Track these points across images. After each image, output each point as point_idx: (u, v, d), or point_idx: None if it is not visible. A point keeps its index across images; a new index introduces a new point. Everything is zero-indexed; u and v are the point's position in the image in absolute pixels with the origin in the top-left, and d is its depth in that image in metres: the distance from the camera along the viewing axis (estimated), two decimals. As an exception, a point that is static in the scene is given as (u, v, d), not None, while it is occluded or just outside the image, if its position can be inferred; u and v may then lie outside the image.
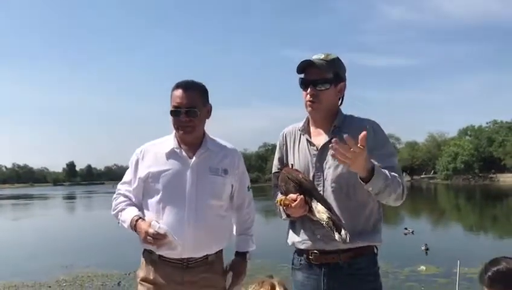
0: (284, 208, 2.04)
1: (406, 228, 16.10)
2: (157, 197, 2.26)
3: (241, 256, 2.43)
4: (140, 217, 2.26)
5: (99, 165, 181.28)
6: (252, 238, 2.48)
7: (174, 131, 2.33)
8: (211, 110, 2.37)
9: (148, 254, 2.34)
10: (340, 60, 2.11)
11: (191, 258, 2.26)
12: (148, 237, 2.15)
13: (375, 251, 2.10)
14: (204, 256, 2.28)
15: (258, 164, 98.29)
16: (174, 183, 2.25)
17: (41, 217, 28.07)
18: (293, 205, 1.96)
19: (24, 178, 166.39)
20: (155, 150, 2.35)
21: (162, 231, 2.14)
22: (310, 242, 2.06)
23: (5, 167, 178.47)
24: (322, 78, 2.05)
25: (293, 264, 2.20)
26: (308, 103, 2.09)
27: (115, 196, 2.43)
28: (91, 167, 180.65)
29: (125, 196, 2.39)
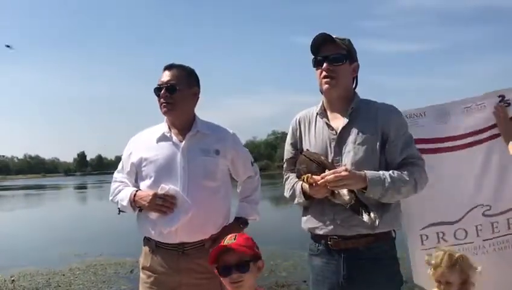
0: (307, 186, 2.00)
1: None
2: (150, 181, 2.31)
3: (235, 220, 2.44)
4: (138, 190, 2.33)
5: (110, 154, 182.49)
6: (251, 206, 2.49)
7: (165, 117, 2.39)
8: (198, 94, 2.40)
9: (147, 241, 2.38)
10: (351, 42, 2.12)
11: (187, 243, 2.27)
12: (157, 199, 2.19)
13: (394, 234, 2.11)
14: (199, 242, 2.28)
15: (267, 151, 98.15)
16: (166, 167, 2.29)
17: (53, 207, 28.37)
18: (319, 182, 1.92)
19: (36, 169, 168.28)
20: (147, 137, 2.41)
21: (172, 192, 2.21)
22: (329, 227, 2.04)
23: (17, 158, 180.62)
24: (338, 53, 2.04)
25: (309, 249, 2.19)
26: (324, 80, 2.07)
27: (112, 184, 2.49)
28: (101, 157, 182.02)
29: (121, 181, 2.45)
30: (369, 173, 1.93)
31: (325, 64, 2.06)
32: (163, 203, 2.20)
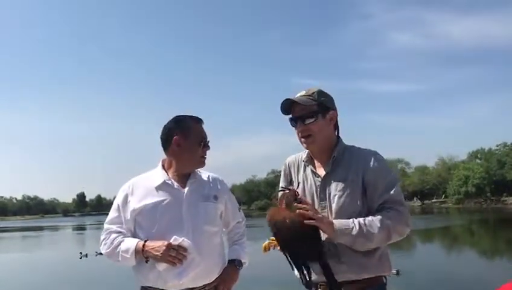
0: (274, 248, 2.13)
1: None
2: (153, 229, 2.26)
3: (231, 263, 2.45)
4: (147, 240, 2.25)
5: (109, 194, 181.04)
6: (242, 249, 2.53)
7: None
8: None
9: None
10: (322, 92, 2.16)
11: (191, 289, 2.27)
12: (171, 250, 2.17)
13: (385, 280, 2.10)
14: (202, 287, 2.30)
15: (267, 190, 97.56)
16: (170, 214, 2.28)
17: (51, 250, 27.95)
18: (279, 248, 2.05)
19: (34, 209, 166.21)
20: (145, 184, 2.37)
21: (185, 244, 2.20)
22: (318, 275, 2.06)
23: (16, 199, 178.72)
24: (308, 112, 2.11)
25: None
26: (302, 139, 2.15)
27: (104, 236, 2.35)
28: (101, 197, 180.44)
29: (118, 232, 2.33)
30: (337, 222, 1.98)
31: (298, 125, 2.14)
32: (176, 256, 2.19)
